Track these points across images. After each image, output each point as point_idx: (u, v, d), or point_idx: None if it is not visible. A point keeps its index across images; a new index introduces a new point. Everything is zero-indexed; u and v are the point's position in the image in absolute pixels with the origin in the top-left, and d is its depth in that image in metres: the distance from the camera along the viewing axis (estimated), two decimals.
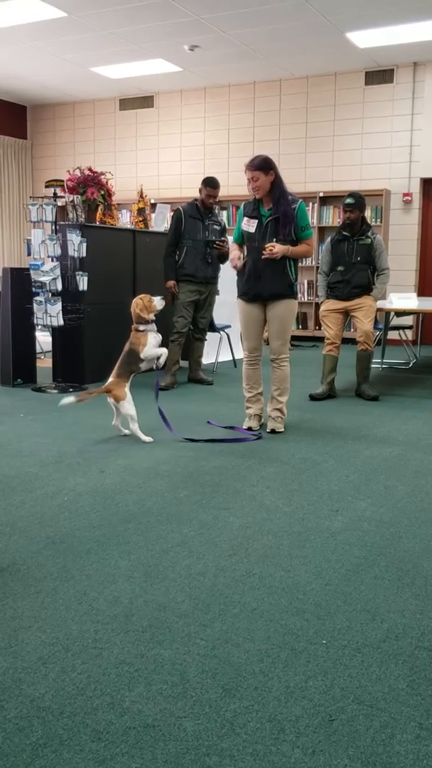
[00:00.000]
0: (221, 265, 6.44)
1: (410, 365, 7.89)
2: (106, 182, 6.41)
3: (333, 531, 2.92)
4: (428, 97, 9.27)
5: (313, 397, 5.73)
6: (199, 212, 6.17)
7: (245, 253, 4.58)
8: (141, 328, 4.44)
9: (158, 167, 11.18)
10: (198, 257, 6.14)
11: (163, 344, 4.61)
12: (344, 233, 5.84)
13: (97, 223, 6.47)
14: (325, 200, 9.91)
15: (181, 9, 7.34)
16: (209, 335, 6.91)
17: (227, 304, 7.91)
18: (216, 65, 9.45)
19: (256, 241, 4.46)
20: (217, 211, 6.38)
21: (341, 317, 5.90)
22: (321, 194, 9.82)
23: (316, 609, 2.25)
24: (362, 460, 3.99)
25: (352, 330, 6.40)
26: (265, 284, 4.45)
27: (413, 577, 2.49)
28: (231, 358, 7.67)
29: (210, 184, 6.11)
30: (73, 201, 6.28)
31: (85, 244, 5.98)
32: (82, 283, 6.00)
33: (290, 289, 4.49)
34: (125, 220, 9.84)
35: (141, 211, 7.18)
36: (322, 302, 6.03)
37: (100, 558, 2.63)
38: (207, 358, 7.10)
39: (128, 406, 4.27)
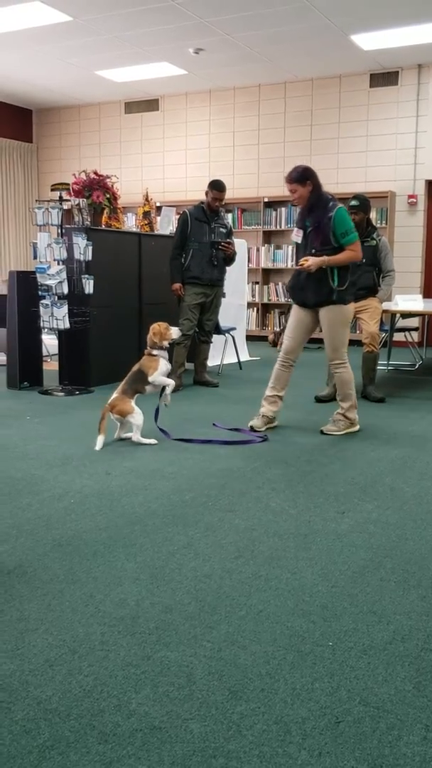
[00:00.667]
0: (227, 268, 6.45)
1: (416, 367, 7.87)
2: (112, 185, 6.42)
3: (339, 533, 2.91)
4: None
5: (319, 399, 5.72)
6: (206, 215, 6.18)
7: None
8: (154, 352, 4.51)
9: (163, 170, 11.21)
10: (204, 260, 6.14)
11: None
12: None
13: (103, 226, 6.49)
14: None
15: (186, 12, 7.36)
16: (215, 337, 6.92)
17: (233, 306, 7.93)
18: (221, 68, 9.47)
19: (302, 252, 4.57)
20: (223, 214, 6.39)
21: None
22: None
23: (323, 611, 2.25)
24: (368, 461, 3.99)
25: (357, 332, 6.39)
26: (307, 293, 4.52)
27: (419, 579, 2.48)
28: (236, 360, 7.68)
29: (216, 187, 6.13)
30: (78, 204, 6.30)
31: (90, 248, 5.99)
32: (88, 286, 6.01)
33: (331, 296, 4.44)
34: (131, 223, 9.88)
35: (146, 215, 7.19)
36: None
37: (106, 560, 2.63)
38: (212, 361, 7.11)
39: (137, 417, 4.32)
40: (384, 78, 9.53)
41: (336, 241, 4.39)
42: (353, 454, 4.13)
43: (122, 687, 1.84)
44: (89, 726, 1.69)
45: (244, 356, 8.20)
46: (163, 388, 4.51)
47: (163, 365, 4.49)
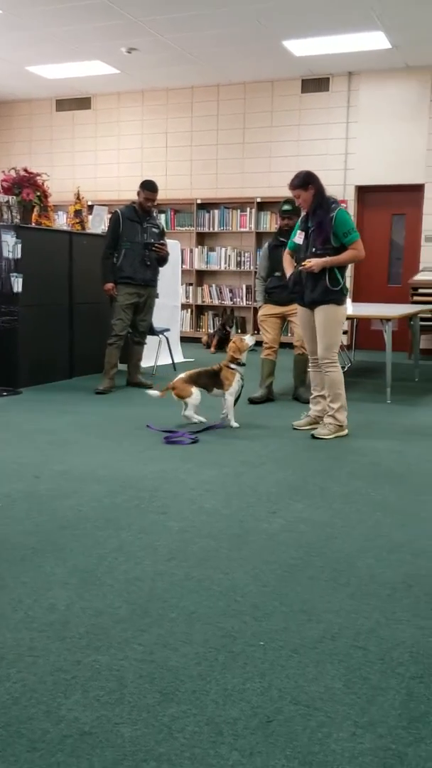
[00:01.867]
0: (160, 269, 6.44)
1: (345, 369, 8.03)
2: (42, 183, 6.32)
3: (271, 533, 2.94)
4: (363, 106, 9.48)
5: (252, 401, 5.77)
6: (138, 215, 6.15)
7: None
8: (232, 366, 4.83)
9: (96, 169, 11.10)
10: (137, 260, 6.11)
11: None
12: (281, 239, 5.91)
13: (33, 224, 6.37)
14: (263, 206, 10.01)
15: (119, 11, 7.31)
16: (149, 339, 6.89)
17: (166, 307, 7.92)
18: (153, 68, 9.44)
19: (302, 252, 4.67)
20: (155, 215, 6.37)
21: (279, 322, 5.96)
22: (258, 200, 9.91)
23: (254, 611, 2.27)
24: (299, 462, 4.04)
25: (289, 334, 6.47)
26: (306, 292, 4.63)
27: (348, 577, 2.53)
28: (171, 361, 7.66)
29: (148, 187, 6.10)
30: (8, 202, 6.16)
31: (20, 246, 5.87)
32: (17, 284, 5.89)
33: (328, 296, 4.54)
34: (62, 221, 9.72)
35: (78, 213, 7.11)
36: (260, 307, 6.09)
37: (35, 565, 2.58)
38: (146, 362, 7.07)
39: (194, 398, 4.74)
40: (315, 84, 9.69)
41: (337, 241, 4.51)
42: (284, 455, 4.18)
43: (51, 693, 1.81)
44: (17, 734, 1.65)
45: (179, 358, 8.20)
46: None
47: (236, 383, 4.81)
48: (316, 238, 4.56)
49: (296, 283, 4.71)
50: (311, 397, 4.92)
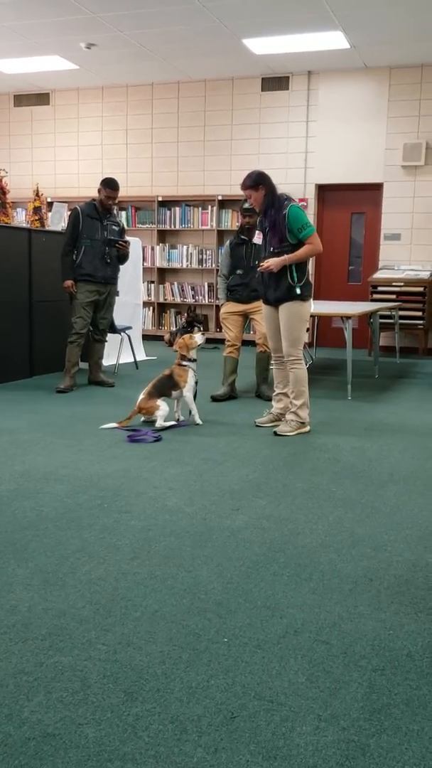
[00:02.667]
0: (121, 266, 6.41)
1: (306, 366, 8.08)
2: (0, 180, 6.23)
3: (234, 529, 2.95)
4: (322, 105, 9.55)
5: (215, 398, 5.78)
6: (98, 213, 6.11)
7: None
8: (183, 363, 4.84)
9: (55, 166, 10.98)
10: (97, 257, 6.07)
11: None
12: (242, 237, 5.93)
13: None
14: (224, 204, 10.02)
15: (77, 6, 7.24)
16: (110, 337, 6.85)
17: (128, 305, 7.88)
18: (113, 65, 9.38)
19: (262, 252, 4.75)
20: (115, 212, 6.34)
21: (241, 320, 5.98)
22: (220, 197, 9.92)
23: (218, 608, 2.27)
24: (262, 459, 4.06)
25: (251, 332, 6.49)
26: (269, 290, 4.67)
27: (311, 573, 2.55)
28: (132, 359, 7.63)
29: (109, 185, 6.07)
30: None
31: None
32: None
33: (291, 293, 4.57)
34: (20, 218, 9.61)
35: (37, 210, 7.02)
36: (222, 305, 6.10)
37: None
38: (108, 360, 7.03)
39: (163, 410, 4.70)
40: (275, 82, 9.73)
41: (294, 238, 4.52)
42: (247, 452, 4.19)
43: (14, 695, 1.79)
44: None
45: (141, 356, 8.16)
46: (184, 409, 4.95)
47: (191, 378, 4.81)
48: (272, 238, 4.60)
49: (260, 284, 4.77)
50: (274, 394, 4.96)
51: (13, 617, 2.18)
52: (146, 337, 9.41)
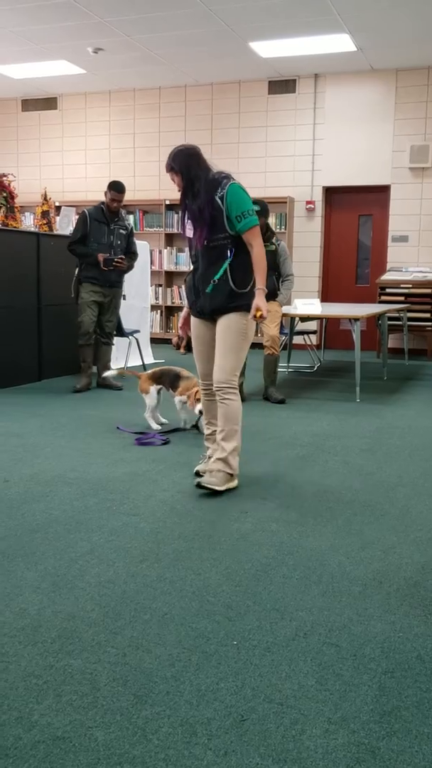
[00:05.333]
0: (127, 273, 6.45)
1: (315, 369, 8.08)
2: (9, 184, 6.26)
3: (243, 532, 2.95)
4: (329, 108, 9.55)
5: None
6: (105, 216, 6.14)
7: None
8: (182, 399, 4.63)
9: (63, 170, 11.02)
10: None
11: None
12: None
13: None
14: None
15: (85, 11, 7.27)
16: (119, 340, 6.86)
17: (136, 309, 7.89)
18: (121, 69, 9.41)
19: (194, 247, 3.56)
20: (123, 215, 6.36)
21: None
22: None
23: (227, 610, 2.27)
24: (270, 461, 4.05)
25: (258, 335, 6.50)
26: (204, 297, 3.50)
27: (320, 575, 2.55)
28: (141, 362, 7.64)
29: (115, 188, 6.09)
30: None
31: None
32: None
33: (233, 300, 3.42)
34: (29, 222, 9.64)
35: (45, 214, 7.05)
36: None
37: (5, 570, 2.55)
38: (116, 363, 7.04)
39: (149, 399, 4.66)
40: (282, 85, 9.74)
41: (232, 228, 3.40)
42: (255, 455, 4.19)
43: (24, 698, 1.79)
44: None
45: (149, 359, 8.17)
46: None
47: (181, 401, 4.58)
48: (202, 228, 3.42)
49: (190, 290, 3.61)
50: (208, 432, 3.76)
51: (22, 620, 2.19)
52: (154, 341, 9.42)
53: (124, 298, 6.56)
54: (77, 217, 6.48)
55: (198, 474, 3.70)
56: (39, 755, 1.58)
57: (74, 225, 6.57)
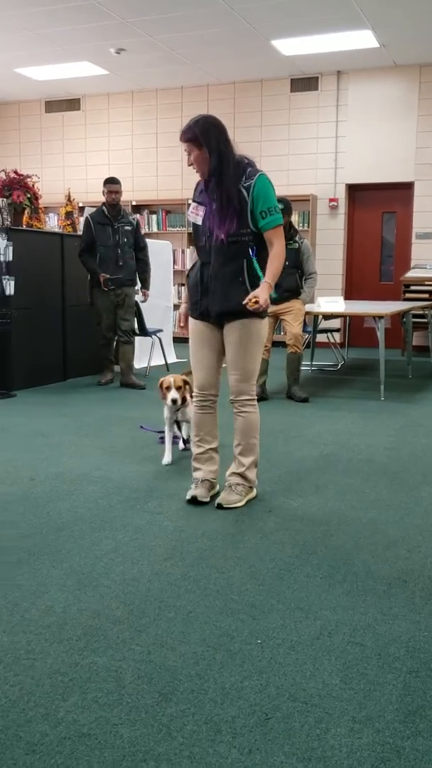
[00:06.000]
0: (149, 270, 6.53)
1: (338, 367, 8.04)
2: (33, 185, 6.31)
3: (266, 531, 2.95)
4: (352, 105, 9.49)
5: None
6: (107, 216, 6.21)
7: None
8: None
9: (86, 170, 11.08)
10: (111, 261, 6.25)
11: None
12: None
13: (24, 226, 6.36)
14: None
15: (107, 12, 7.30)
16: (141, 339, 6.90)
17: (159, 308, 7.92)
18: (143, 69, 9.44)
19: (202, 237, 3.20)
20: (126, 212, 6.40)
21: (272, 321, 5.97)
22: None
23: (251, 609, 2.27)
24: (293, 460, 4.05)
25: (282, 333, 6.48)
26: (214, 297, 3.17)
27: (344, 574, 2.54)
28: (164, 362, 7.66)
29: (108, 181, 6.27)
30: None
31: (11, 248, 5.86)
32: (9, 287, 5.88)
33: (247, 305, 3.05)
34: (53, 223, 9.71)
35: (69, 215, 7.11)
36: None
37: (31, 567, 2.58)
38: (139, 362, 7.07)
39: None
40: (304, 83, 9.70)
41: (254, 223, 3.09)
42: (278, 454, 4.18)
43: (50, 695, 1.81)
44: (16, 737, 1.65)
45: (171, 358, 8.19)
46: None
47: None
48: (222, 220, 3.09)
49: (195, 288, 3.27)
50: (200, 451, 3.37)
51: (48, 618, 2.21)
52: (177, 340, 9.44)
53: (144, 300, 6.61)
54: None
55: (195, 500, 3.26)
56: (65, 751, 1.60)
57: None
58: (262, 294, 3.02)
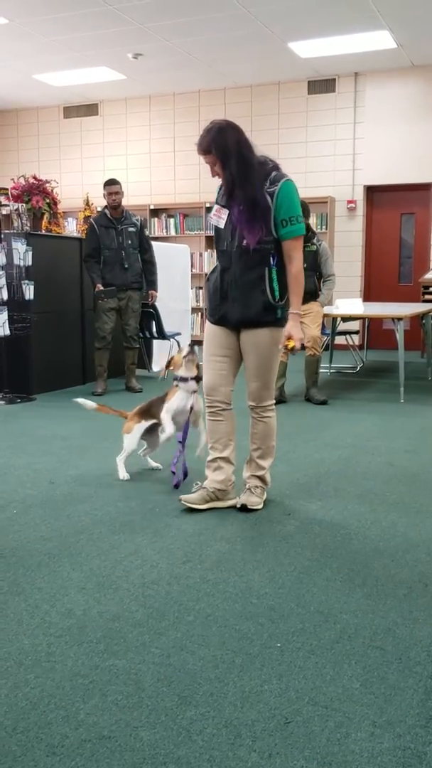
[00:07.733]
0: (158, 272, 6.52)
1: (357, 369, 8.01)
2: (51, 190, 6.36)
3: (285, 534, 2.94)
4: (369, 107, 9.46)
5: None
6: (109, 219, 6.22)
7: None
8: (174, 382, 3.67)
9: (104, 175, 11.12)
10: (116, 265, 6.23)
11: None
12: None
13: (43, 231, 6.41)
14: None
15: (124, 17, 7.34)
16: (160, 342, 6.91)
17: (176, 312, 7.93)
18: (160, 73, 9.47)
19: (224, 242, 3.13)
20: (129, 213, 6.37)
21: None
22: None
23: (270, 612, 2.27)
24: (312, 463, 4.03)
25: None
26: (234, 305, 3.13)
27: (364, 578, 2.52)
28: None
29: (107, 183, 6.28)
30: (17, 209, 6.20)
31: (30, 253, 5.91)
32: (29, 291, 5.92)
33: (269, 314, 3.09)
34: (72, 228, 9.77)
35: (87, 219, 7.13)
36: None
37: (51, 570, 2.59)
38: (157, 366, 7.08)
39: (127, 440, 3.74)
40: (322, 85, 9.68)
41: (276, 231, 3.03)
42: (297, 457, 4.17)
43: (70, 698, 1.82)
44: (36, 739, 1.66)
45: None
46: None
47: (178, 400, 3.57)
48: (246, 226, 3.02)
49: (215, 294, 3.19)
50: (209, 459, 3.30)
51: (68, 620, 2.22)
52: (195, 343, 9.45)
53: (151, 301, 6.55)
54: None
55: (182, 501, 3.22)
56: (85, 754, 1.61)
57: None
58: (295, 331, 3.09)
